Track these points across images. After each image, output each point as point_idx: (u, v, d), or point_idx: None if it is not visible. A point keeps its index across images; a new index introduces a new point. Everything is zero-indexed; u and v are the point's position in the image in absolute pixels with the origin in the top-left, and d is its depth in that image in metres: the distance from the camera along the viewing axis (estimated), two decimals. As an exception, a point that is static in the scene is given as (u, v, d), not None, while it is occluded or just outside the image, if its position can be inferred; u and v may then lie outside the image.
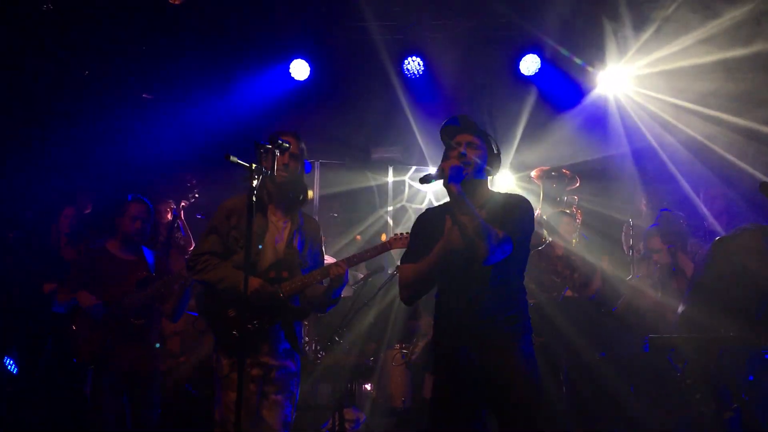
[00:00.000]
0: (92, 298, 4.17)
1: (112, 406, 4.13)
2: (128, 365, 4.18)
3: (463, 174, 2.74)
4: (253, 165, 3.05)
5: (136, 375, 4.21)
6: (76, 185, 6.61)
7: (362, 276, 5.72)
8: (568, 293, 5.77)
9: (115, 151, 6.92)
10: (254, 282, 3.35)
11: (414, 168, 8.04)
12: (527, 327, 2.86)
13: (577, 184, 6.29)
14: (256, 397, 3.38)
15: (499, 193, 3.03)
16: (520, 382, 2.72)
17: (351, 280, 5.55)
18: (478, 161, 2.89)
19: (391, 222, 7.86)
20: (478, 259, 2.70)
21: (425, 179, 2.77)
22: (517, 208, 2.87)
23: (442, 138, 2.98)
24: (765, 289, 3.49)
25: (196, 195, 6.27)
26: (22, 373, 5.54)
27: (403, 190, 8.16)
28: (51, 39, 6.12)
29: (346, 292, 6.64)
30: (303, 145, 3.57)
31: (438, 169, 2.76)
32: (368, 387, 5.74)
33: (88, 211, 6.40)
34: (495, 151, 2.98)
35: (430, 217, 3.05)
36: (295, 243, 3.55)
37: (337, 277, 3.47)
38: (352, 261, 3.62)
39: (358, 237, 7.31)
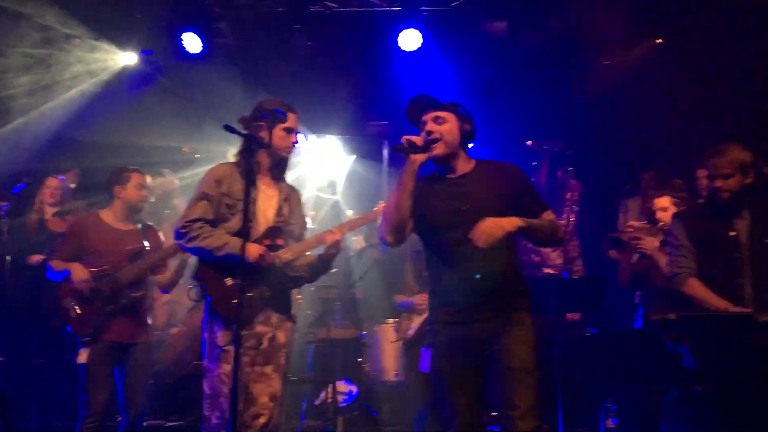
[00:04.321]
0: (85, 274, 4.07)
1: (106, 377, 4.09)
2: (123, 337, 4.13)
3: (425, 149, 2.85)
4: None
5: (130, 347, 4.16)
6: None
7: (359, 248, 5.69)
8: (548, 271, 5.80)
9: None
10: (258, 248, 3.33)
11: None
12: (524, 296, 2.92)
13: (560, 146, 6.28)
14: (249, 369, 3.35)
15: (486, 161, 3.05)
16: (519, 349, 2.77)
17: (347, 252, 5.53)
18: (446, 135, 2.91)
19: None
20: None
21: (398, 149, 2.87)
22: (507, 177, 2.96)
23: (410, 121, 3.02)
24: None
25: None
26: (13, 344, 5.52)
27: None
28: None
29: (338, 265, 6.63)
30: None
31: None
32: (361, 360, 5.75)
33: (74, 185, 6.34)
34: (466, 120, 2.98)
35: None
36: (285, 211, 3.55)
37: (333, 244, 3.47)
38: (345, 228, 3.60)
39: (313, 213, 7.23)
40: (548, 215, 2.93)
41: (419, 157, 2.85)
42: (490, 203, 2.85)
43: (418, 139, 2.86)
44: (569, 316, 5.54)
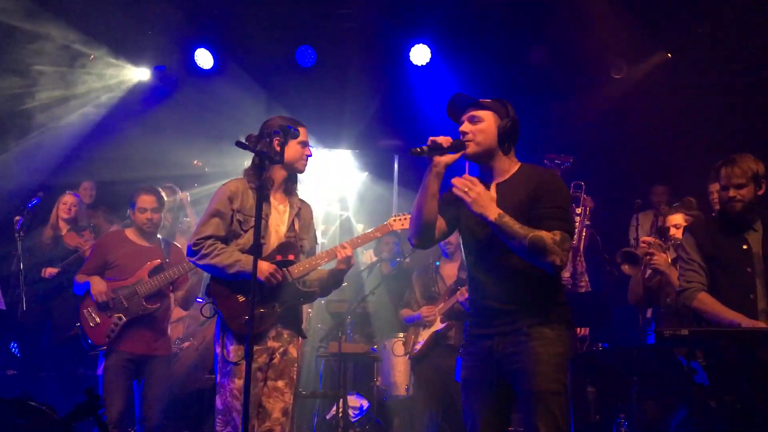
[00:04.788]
0: (103, 286, 4.25)
1: (122, 388, 4.17)
2: (141, 348, 4.25)
3: (455, 148, 2.73)
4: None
5: (149, 358, 4.27)
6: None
7: (369, 263, 5.71)
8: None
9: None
10: (268, 267, 3.35)
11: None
12: (551, 309, 2.73)
13: (571, 160, 6.27)
14: (261, 384, 3.37)
15: (530, 166, 2.86)
16: (539, 369, 2.64)
17: (358, 266, 5.55)
18: (478, 135, 2.77)
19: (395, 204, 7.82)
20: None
21: (415, 153, 2.73)
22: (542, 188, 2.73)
23: (454, 121, 2.92)
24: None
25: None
26: (25, 357, 5.57)
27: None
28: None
29: (349, 279, 6.66)
30: None
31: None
32: (372, 375, 5.74)
33: (88, 201, 6.46)
34: (507, 118, 2.79)
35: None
36: (296, 226, 3.56)
37: (345, 260, 3.49)
38: (356, 243, 3.61)
39: (324, 227, 7.27)
40: (545, 234, 2.61)
41: (443, 159, 2.73)
42: (511, 215, 2.67)
43: (444, 140, 2.73)
44: (579, 331, 5.51)
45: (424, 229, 2.84)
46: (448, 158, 2.75)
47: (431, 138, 2.74)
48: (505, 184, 2.80)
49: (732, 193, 3.43)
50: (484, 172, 2.87)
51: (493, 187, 2.80)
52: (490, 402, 2.76)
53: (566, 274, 5.80)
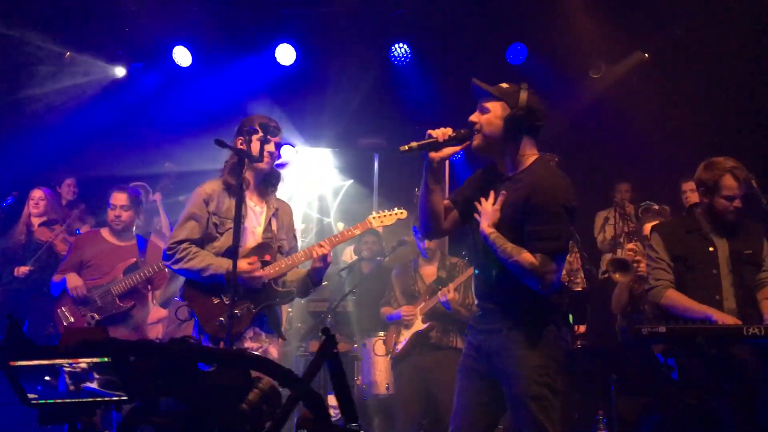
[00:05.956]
0: (79, 281, 4.34)
1: None
2: None
3: (458, 141, 2.68)
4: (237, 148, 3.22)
5: None
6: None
7: (349, 261, 5.69)
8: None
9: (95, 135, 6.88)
10: (243, 265, 3.31)
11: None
12: (537, 314, 2.65)
13: (556, 159, 6.31)
14: None
15: (537, 165, 2.69)
16: (519, 373, 2.59)
17: (338, 265, 5.52)
18: (485, 126, 2.66)
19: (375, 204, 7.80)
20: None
21: (404, 150, 2.66)
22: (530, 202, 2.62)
23: None
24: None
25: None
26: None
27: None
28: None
29: (329, 278, 6.64)
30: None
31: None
32: (352, 374, 5.72)
33: (71, 198, 6.39)
34: (518, 107, 2.63)
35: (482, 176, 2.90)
36: (273, 227, 3.54)
37: (321, 258, 3.45)
38: (334, 241, 3.58)
39: (303, 226, 7.27)
40: (527, 257, 2.55)
41: (438, 154, 2.65)
42: (503, 216, 2.65)
43: (441, 133, 2.64)
44: (578, 328, 5.52)
45: (429, 222, 2.81)
46: (445, 152, 2.68)
47: (429, 131, 2.67)
48: (509, 182, 2.71)
49: (738, 203, 3.45)
50: (498, 164, 2.79)
51: (501, 193, 2.70)
52: (478, 392, 2.73)
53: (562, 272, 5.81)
